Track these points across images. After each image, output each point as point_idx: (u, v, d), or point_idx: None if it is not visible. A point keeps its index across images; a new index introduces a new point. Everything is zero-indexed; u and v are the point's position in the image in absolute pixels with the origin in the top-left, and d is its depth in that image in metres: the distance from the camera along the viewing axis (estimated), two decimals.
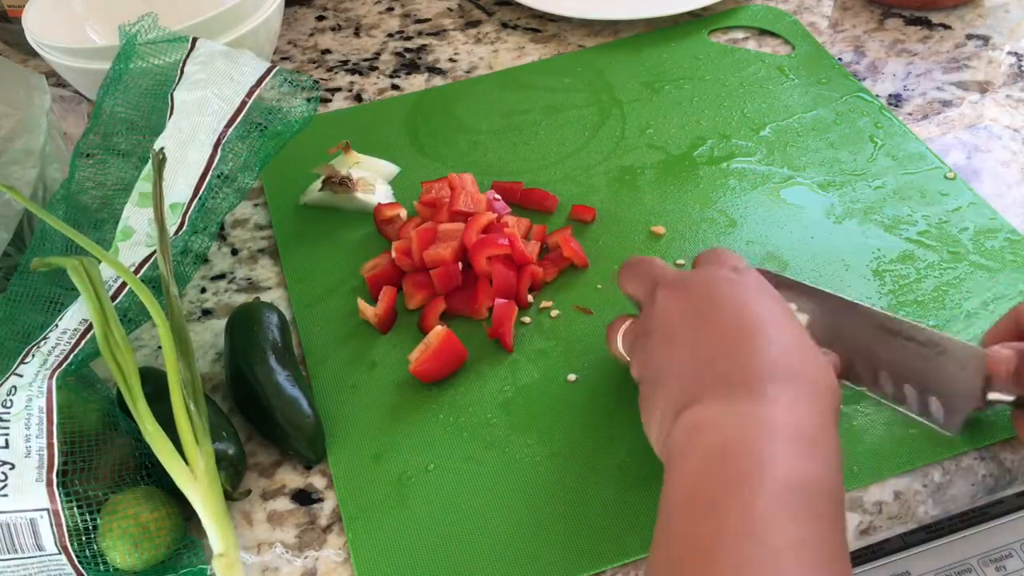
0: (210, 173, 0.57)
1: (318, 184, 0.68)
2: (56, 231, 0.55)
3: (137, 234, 0.55)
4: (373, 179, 0.69)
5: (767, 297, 0.44)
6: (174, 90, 0.61)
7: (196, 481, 0.46)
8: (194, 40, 0.64)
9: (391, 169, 0.72)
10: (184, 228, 0.55)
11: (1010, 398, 0.45)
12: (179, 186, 0.56)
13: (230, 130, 0.59)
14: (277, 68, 0.63)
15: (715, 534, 0.35)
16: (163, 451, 0.46)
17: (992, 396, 0.46)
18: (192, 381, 0.49)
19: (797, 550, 0.34)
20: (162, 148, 0.57)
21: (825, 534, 0.35)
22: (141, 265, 0.54)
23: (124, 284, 0.52)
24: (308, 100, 0.63)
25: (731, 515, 0.35)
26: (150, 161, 0.56)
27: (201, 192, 0.56)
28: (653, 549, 0.38)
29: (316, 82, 0.68)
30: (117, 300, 0.51)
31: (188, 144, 0.58)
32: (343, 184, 0.66)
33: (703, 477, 0.37)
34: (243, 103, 0.60)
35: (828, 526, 0.35)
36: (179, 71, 0.62)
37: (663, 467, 0.41)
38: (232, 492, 0.49)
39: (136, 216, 0.56)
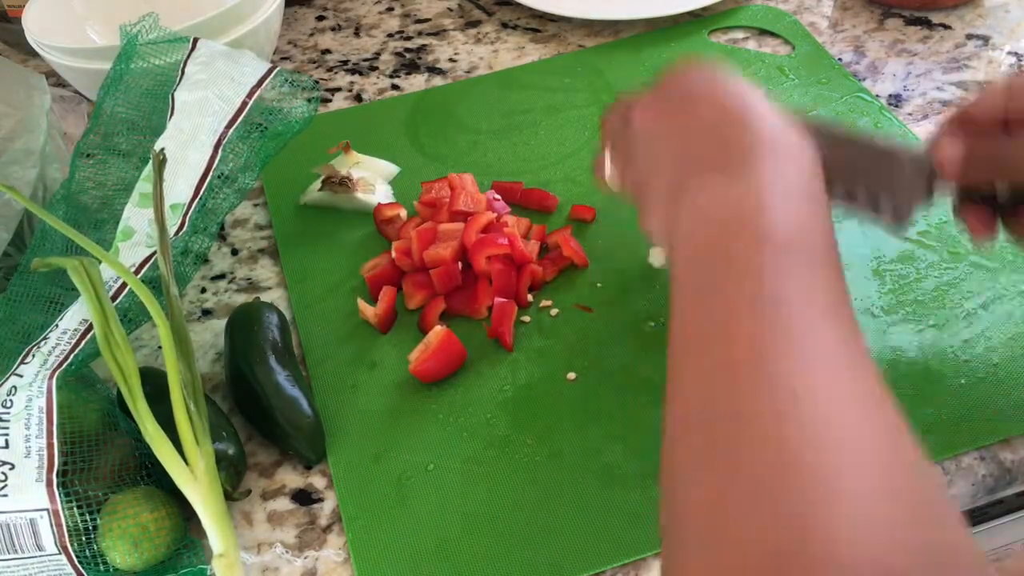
0: (210, 173, 0.57)
1: (318, 184, 0.68)
2: (56, 231, 0.55)
3: (137, 234, 0.55)
4: (373, 179, 0.69)
5: (743, 85, 0.45)
6: (175, 90, 0.61)
7: (196, 481, 0.46)
8: (195, 40, 0.64)
9: (391, 169, 0.72)
10: (184, 228, 0.55)
11: (953, 193, 0.47)
12: (179, 186, 0.56)
13: (231, 131, 0.59)
14: (278, 68, 0.63)
15: (723, 288, 0.36)
16: (163, 451, 0.46)
17: (939, 190, 0.47)
18: (192, 381, 0.49)
19: (807, 297, 0.35)
20: (163, 148, 0.57)
21: (828, 281, 0.37)
22: (141, 265, 0.54)
23: (124, 284, 0.52)
24: (308, 100, 0.63)
25: (739, 273, 0.36)
26: (150, 161, 0.56)
27: (201, 192, 0.56)
28: (671, 353, 0.38)
29: (316, 82, 0.68)
30: (117, 300, 0.51)
31: (189, 144, 0.58)
32: (343, 184, 0.66)
33: (707, 248, 0.39)
34: (244, 103, 0.60)
35: (828, 271, 0.37)
36: (180, 71, 0.62)
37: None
38: (232, 492, 0.50)
39: (136, 216, 0.56)
